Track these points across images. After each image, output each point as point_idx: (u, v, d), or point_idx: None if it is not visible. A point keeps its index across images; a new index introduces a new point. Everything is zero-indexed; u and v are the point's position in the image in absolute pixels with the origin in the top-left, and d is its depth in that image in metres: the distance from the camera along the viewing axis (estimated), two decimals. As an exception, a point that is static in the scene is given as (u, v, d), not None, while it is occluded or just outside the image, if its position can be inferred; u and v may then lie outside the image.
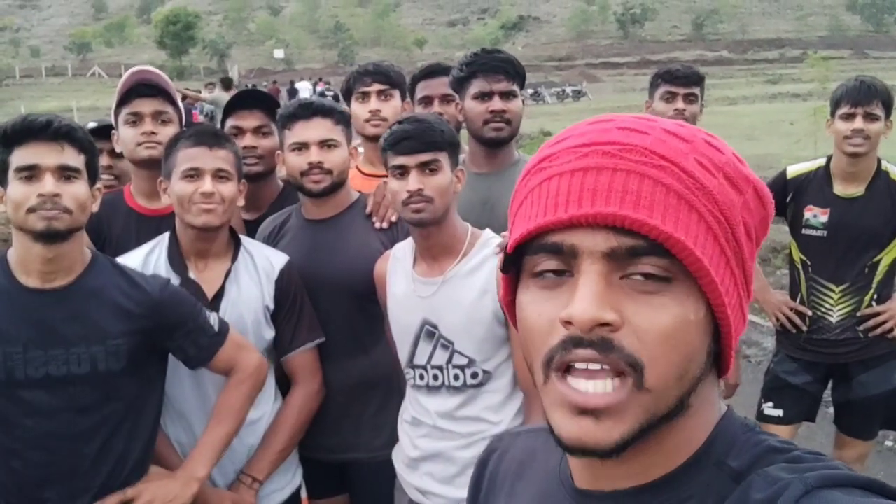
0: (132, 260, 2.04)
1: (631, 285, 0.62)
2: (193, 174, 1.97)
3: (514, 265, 0.70)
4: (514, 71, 2.41)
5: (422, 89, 2.91)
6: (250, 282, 2.09)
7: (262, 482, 2.09)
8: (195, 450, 1.94)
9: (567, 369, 0.62)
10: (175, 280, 2.00)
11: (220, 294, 2.05)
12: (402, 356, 2.05)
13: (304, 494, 2.37)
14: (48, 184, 1.66)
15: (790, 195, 2.99)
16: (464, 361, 1.94)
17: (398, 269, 2.06)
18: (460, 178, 1.96)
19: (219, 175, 1.98)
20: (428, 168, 1.86)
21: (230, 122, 2.53)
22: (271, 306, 2.11)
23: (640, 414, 0.61)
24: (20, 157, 1.68)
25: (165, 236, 2.11)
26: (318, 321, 2.19)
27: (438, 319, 1.96)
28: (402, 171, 1.87)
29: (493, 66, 2.38)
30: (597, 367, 0.61)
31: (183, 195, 1.97)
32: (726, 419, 0.70)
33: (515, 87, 2.41)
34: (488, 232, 2.02)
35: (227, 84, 16.60)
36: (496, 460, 0.88)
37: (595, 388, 0.61)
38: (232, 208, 2.05)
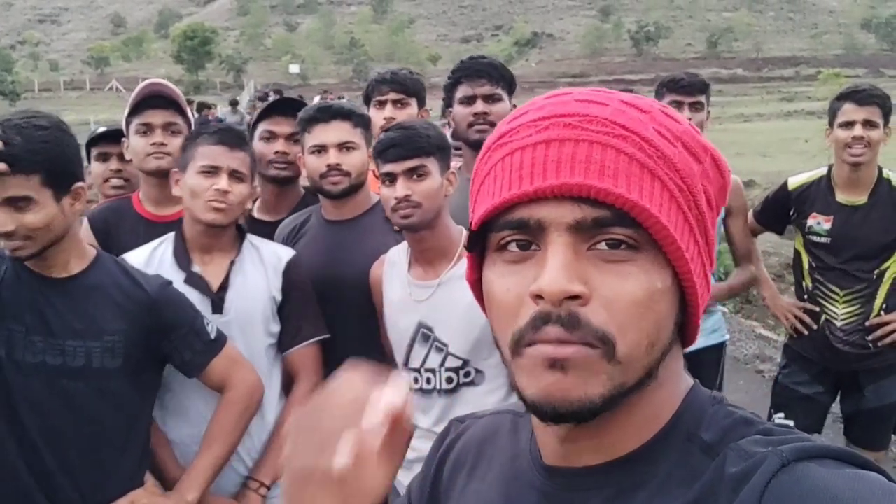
0: (138, 256, 2.05)
1: (598, 255, 0.61)
2: (210, 171, 1.99)
3: (478, 244, 0.69)
4: (497, 75, 2.45)
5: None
6: (256, 273, 2.09)
7: (269, 487, 2.04)
8: (187, 473, 1.90)
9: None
10: (179, 274, 2.01)
11: (225, 285, 2.04)
12: (398, 360, 2.06)
13: None
14: (8, 221, 1.64)
15: (793, 209, 3.01)
16: (457, 364, 1.95)
17: (393, 274, 2.07)
18: (452, 181, 1.98)
19: (235, 175, 2.00)
20: (415, 174, 1.89)
21: (264, 126, 2.55)
22: (279, 298, 2.10)
23: (608, 381, 0.60)
24: None
25: (172, 234, 2.12)
26: (323, 319, 2.17)
27: (434, 322, 1.97)
28: (391, 178, 1.90)
29: (476, 70, 2.45)
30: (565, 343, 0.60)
31: (197, 189, 1.98)
32: (694, 391, 0.69)
33: (500, 91, 2.45)
34: None
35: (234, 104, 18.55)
36: (451, 441, 0.86)
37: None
38: (241, 209, 2.07)
